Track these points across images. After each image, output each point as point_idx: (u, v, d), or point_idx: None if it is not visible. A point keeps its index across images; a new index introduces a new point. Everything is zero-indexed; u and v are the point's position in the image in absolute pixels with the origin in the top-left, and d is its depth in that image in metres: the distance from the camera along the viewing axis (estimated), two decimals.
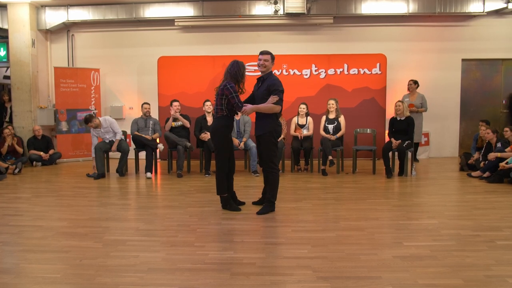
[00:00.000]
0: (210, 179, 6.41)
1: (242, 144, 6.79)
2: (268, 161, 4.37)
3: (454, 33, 8.70)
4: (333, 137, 6.79)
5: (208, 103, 7.02)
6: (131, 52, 9.04)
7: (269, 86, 4.29)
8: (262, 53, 4.40)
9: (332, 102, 7.01)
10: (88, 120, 6.65)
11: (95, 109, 8.87)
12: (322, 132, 6.95)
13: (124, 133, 7.40)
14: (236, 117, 6.80)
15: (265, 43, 8.73)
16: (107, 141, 6.88)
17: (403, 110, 6.61)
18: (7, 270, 2.93)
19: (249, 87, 4.58)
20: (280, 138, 6.82)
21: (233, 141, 4.66)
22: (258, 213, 4.32)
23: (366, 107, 8.35)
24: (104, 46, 9.12)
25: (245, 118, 7.01)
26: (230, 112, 4.36)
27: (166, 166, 7.38)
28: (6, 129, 7.58)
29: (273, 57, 4.42)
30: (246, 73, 4.54)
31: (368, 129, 7.43)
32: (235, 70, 4.31)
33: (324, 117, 7.07)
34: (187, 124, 7.02)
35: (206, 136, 6.70)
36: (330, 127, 6.94)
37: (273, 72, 4.51)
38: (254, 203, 4.73)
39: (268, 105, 4.24)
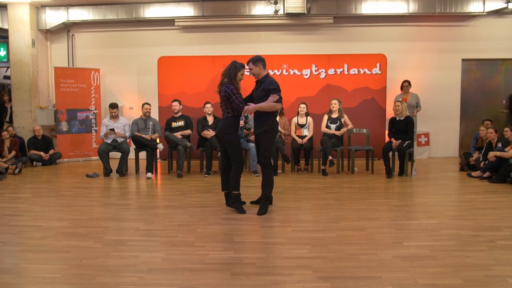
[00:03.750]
0: (210, 179, 6.41)
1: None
2: (265, 156, 4.44)
3: (454, 33, 8.70)
4: (338, 132, 6.83)
5: (208, 105, 7.03)
6: (131, 52, 9.05)
7: (265, 87, 4.39)
8: (247, 63, 4.48)
9: (335, 101, 7.02)
10: (115, 105, 7.17)
11: (95, 109, 8.88)
12: (324, 129, 6.95)
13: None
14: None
15: (265, 43, 8.77)
16: (109, 140, 6.95)
17: (402, 110, 6.62)
18: (7, 270, 2.93)
19: (250, 87, 4.59)
20: (283, 139, 6.88)
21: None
22: (258, 213, 4.31)
23: (366, 107, 8.35)
24: (104, 46, 9.13)
25: (249, 115, 6.99)
26: (238, 112, 4.42)
27: (166, 166, 7.38)
28: (5, 131, 7.54)
29: (257, 61, 4.42)
30: (247, 73, 4.57)
31: (364, 129, 7.41)
32: (230, 71, 4.39)
33: (326, 116, 7.07)
34: (189, 132, 7.06)
35: (209, 133, 6.71)
36: (333, 126, 6.94)
37: (269, 73, 4.60)
38: (252, 202, 4.74)
39: (270, 104, 4.34)
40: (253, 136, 6.45)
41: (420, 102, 7.90)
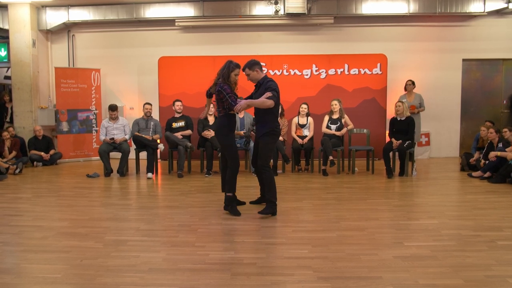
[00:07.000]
0: (211, 179, 6.41)
1: (242, 133, 6.85)
2: (263, 160, 4.36)
3: (455, 33, 8.69)
4: (338, 133, 6.84)
5: None
6: (132, 52, 9.05)
7: (265, 89, 4.29)
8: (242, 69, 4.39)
9: (335, 102, 7.02)
10: (114, 108, 7.13)
11: (96, 110, 8.88)
12: (325, 129, 6.95)
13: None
14: (240, 115, 6.82)
15: (266, 43, 8.77)
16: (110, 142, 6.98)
17: (403, 111, 6.62)
18: (7, 270, 2.94)
19: (251, 87, 4.59)
20: (281, 139, 6.84)
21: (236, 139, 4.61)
22: (261, 212, 4.26)
23: (366, 107, 8.35)
24: (104, 46, 9.13)
25: (250, 117, 6.98)
26: (228, 110, 4.33)
27: (166, 167, 7.37)
28: (5, 132, 7.55)
29: (253, 65, 4.33)
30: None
31: (365, 129, 7.41)
32: (223, 71, 4.33)
33: (327, 116, 7.07)
34: (189, 133, 7.06)
35: (209, 133, 6.72)
36: (333, 127, 6.94)
37: (269, 74, 4.49)
38: (252, 202, 4.73)
39: (261, 99, 4.22)
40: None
41: (423, 102, 7.91)
